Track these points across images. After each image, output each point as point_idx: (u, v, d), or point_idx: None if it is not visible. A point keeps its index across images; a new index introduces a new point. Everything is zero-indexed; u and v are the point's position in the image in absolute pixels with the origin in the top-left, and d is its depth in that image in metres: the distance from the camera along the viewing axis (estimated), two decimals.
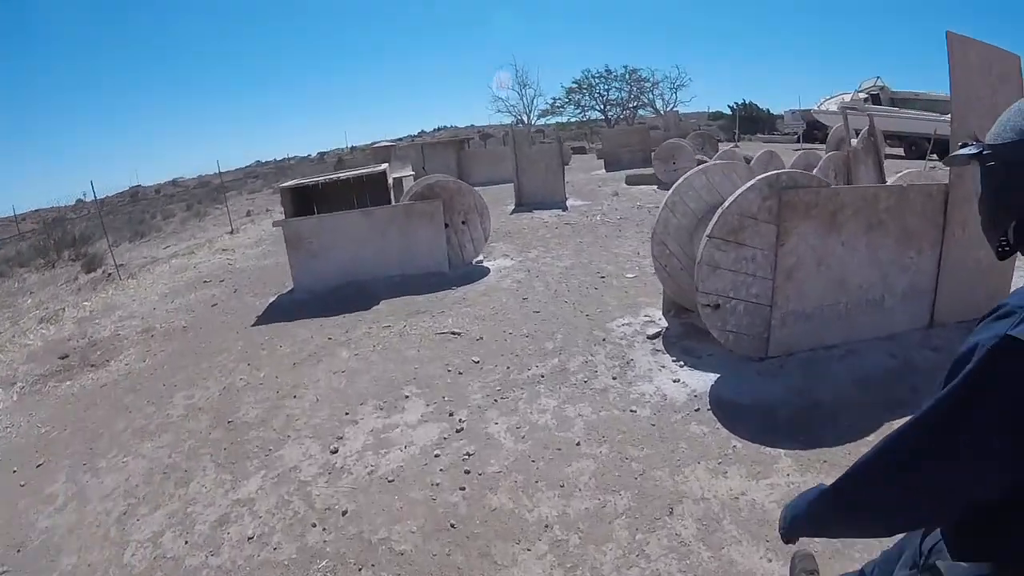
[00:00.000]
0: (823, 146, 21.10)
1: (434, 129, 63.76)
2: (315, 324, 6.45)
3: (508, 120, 44.03)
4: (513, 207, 12.89)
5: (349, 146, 51.43)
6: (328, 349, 5.67)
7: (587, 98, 43.12)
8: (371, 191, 9.87)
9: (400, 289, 7.25)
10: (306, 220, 7.96)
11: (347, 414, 4.39)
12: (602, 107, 42.95)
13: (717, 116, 44.18)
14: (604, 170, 18.41)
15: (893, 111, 16.34)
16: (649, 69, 41.51)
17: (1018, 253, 1.09)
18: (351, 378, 4.98)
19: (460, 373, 4.76)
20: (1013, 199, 1.05)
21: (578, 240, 9.17)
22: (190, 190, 39.79)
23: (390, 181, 10.30)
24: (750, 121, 32.66)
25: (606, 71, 42.20)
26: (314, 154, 57.33)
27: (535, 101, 43.88)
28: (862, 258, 4.51)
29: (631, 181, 14.93)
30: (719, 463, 3.31)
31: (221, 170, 22.82)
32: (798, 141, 25.99)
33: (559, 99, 43.85)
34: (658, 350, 4.88)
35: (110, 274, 11.62)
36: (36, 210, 35.43)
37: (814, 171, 9.94)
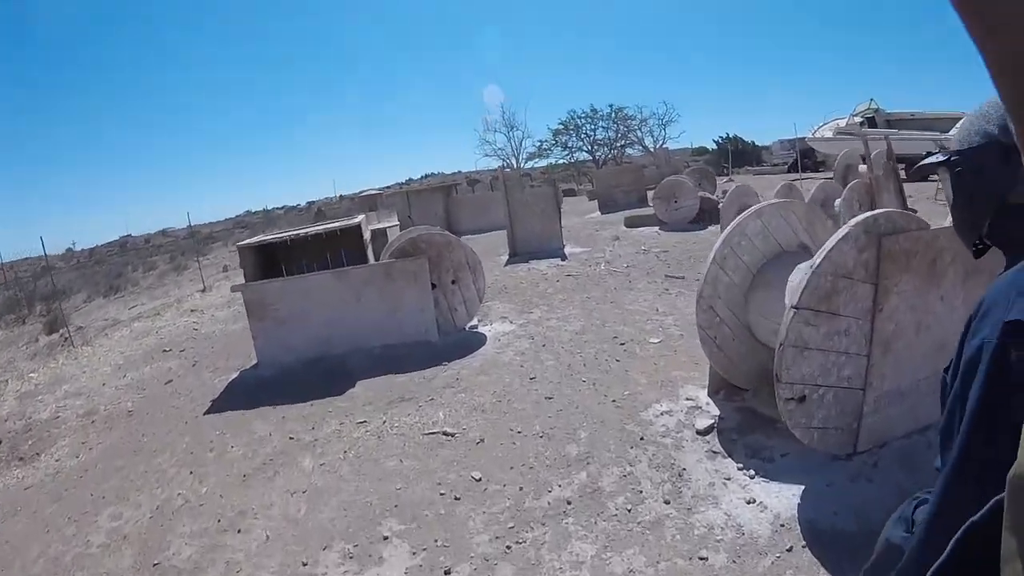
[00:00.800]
0: (816, 175, 20.45)
1: (421, 176, 63.31)
2: (277, 415, 5.26)
3: (496, 164, 43.54)
4: (507, 257, 11.80)
5: (338, 195, 50.81)
6: (288, 455, 4.47)
7: (574, 139, 42.56)
8: (347, 247, 8.78)
9: (381, 365, 6.07)
10: (270, 284, 6.81)
11: (305, 565, 3.19)
12: (589, 147, 42.37)
13: (701, 151, 43.82)
14: (599, 212, 17.46)
15: (891, 133, 15.72)
16: (636, 107, 41.13)
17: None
18: (313, 503, 3.77)
19: (456, 498, 3.55)
20: (985, 201, 1.11)
21: (584, 295, 8.05)
22: (179, 240, 38.80)
23: (366, 235, 9.21)
24: (736, 154, 32.09)
25: (592, 111, 41.77)
26: (303, 203, 56.61)
27: (523, 143, 43.37)
28: (960, 314, 3.48)
29: (631, 223, 13.95)
30: None
31: (211, 219, 21.96)
32: (789, 171, 25.42)
33: (546, 141, 43.39)
34: (715, 451, 3.72)
35: (67, 338, 10.46)
36: (25, 258, 34.04)
37: (837, 202, 8.99)
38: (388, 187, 46.28)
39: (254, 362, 6.84)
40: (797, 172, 19.29)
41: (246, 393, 6.03)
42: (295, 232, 8.47)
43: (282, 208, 55.19)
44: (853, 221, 3.34)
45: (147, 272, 23.46)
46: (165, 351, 8.47)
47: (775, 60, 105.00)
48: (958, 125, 1.27)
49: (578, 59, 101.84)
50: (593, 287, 8.49)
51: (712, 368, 4.38)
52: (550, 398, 4.70)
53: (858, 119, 20.20)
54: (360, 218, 9.61)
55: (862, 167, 12.06)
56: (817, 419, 3.32)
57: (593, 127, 41.98)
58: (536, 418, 4.37)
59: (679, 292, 7.72)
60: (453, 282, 7.03)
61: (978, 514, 0.69)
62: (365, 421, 4.78)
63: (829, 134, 20.88)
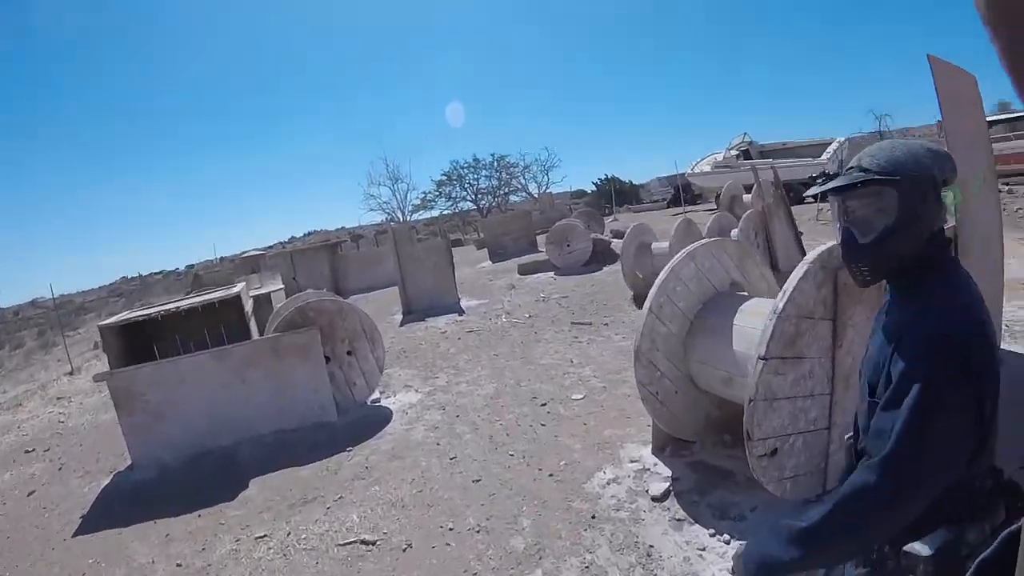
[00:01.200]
0: (694, 208, 21.46)
1: (305, 234, 60.65)
2: (159, 532, 4.27)
3: (380, 218, 42.69)
4: (401, 316, 11.09)
5: (218, 257, 47.44)
6: None
7: (457, 189, 42.71)
8: (227, 320, 7.79)
9: (276, 456, 5.19)
10: (139, 370, 5.72)
11: None
12: (474, 196, 42.64)
13: (580, 194, 45.31)
14: (489, 261, 17.16)
15: (758, 163, 16.75)
16: (519, 154, 42.10)
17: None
18: None
19: None
20: (922, 228, 1.25)
21: (491, 352, 7.54)
22: (49, 312, 34.23)
23: (247, 305, 8.26)
24: (614, 194, 33.37)
25: (474, 160, 42.28)
26: (182, 267, 52.13)
27: (408, 195, 42.91)
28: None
29: (524, 270, 13.71)
30: None
31: (84, 287, 19.52)
32: (668, 206, 26.60)
33: (430, 192, 43.24)
34: (680, 519, 3.29)
35: None
36: None
37: (734, 232, 9.16)
38: (271, 247, 43.89)
39: (128, 462, 5.70)
40: (679, 206, 20.04)
41: (122, 503, 4.96)
42: (167, 306, 7.41)
43: (160, 272, 50.41)
44: (809, 257, 3.10)
45: (13, 351, 20.31)
46: (28, 451, 7.00)
47: (645, 100, 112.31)
48: (868, 152, 1.32)
49: (460, 109, 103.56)
50: (498, 342, 8.02)
51: (654, 425, 3.99)
52: (478, 480, 4.10)
53: (734, 152, 21.37)
54: (240, 286, 8.64)
55: (746, 197, 12.60)
56: (788, 469, 3.00)
57: (476, 176, 42.46)
58: (467, 508, 3.75)
59: (590, 340, 7.41)
60: (349, 353, 6.29)
61: (988, 550, 0.71)
62: (266, 536, 3.92)
63: (708, 168, 21.95)
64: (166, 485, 5.10)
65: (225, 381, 5.75)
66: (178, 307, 6.97)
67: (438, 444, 4.87)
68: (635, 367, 3.70)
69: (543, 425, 4.91)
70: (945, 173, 1.26)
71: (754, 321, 3.38)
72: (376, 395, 6.45)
